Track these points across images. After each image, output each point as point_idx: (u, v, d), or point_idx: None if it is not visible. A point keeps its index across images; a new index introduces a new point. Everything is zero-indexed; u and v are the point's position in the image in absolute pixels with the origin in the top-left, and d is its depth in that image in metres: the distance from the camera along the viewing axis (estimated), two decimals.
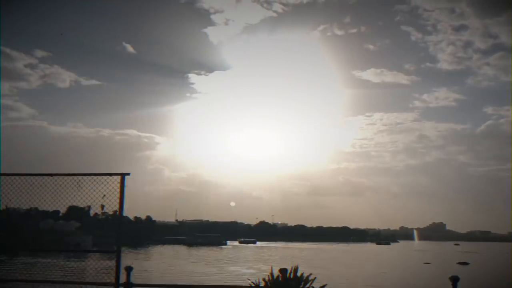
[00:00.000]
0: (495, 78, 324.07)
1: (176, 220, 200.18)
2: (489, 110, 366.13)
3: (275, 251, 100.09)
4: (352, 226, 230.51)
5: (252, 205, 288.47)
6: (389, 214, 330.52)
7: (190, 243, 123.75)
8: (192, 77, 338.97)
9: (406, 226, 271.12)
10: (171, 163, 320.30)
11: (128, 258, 72.92)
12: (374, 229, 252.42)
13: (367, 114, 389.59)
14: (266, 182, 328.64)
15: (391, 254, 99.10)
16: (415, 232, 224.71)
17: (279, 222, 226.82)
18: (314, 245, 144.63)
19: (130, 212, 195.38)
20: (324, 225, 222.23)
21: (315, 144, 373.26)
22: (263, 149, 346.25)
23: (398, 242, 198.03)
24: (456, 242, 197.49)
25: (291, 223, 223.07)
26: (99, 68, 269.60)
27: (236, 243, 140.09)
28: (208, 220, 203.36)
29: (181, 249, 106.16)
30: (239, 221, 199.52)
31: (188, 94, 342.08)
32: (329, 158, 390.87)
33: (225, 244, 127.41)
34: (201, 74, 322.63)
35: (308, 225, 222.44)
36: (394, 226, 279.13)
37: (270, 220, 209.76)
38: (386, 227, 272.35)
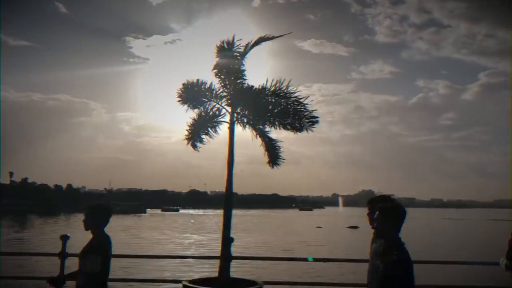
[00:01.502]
0: (427, 53, 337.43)
1: (105, 189, 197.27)
2: (420, 83, 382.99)
3: (187, 218, 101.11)
4: (286, 194, 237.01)
5: (191, 174, 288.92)
6: (324, 182, 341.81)
7: None
8: (130, 40, 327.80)
9: (337, 193, 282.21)
10: (107, 130, 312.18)
11: (19, 227, 70.98)
12: (307, 196, 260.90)
13: (306, 84, 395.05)
14: (207, 150, 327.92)
15: (300, 219, 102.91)
16: (339, 199, 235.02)
17: (217, 190, 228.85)
18: (242, 211, 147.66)
19: (54, 180, 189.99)
20: (257, 193, 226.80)
21: None
22: None
23: (324, 208, 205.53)
24: None
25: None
26: (29, 28, 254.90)
27: (159, 211, 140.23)
28: (140, 189, 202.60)
29: None
30: (169, 189, 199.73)
31: (125, 59, 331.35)
32: None
33: (145, 212, 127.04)
34: (138, 38, 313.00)
35: (242, 192, 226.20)
36: (327, 193, 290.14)
37: (203, 189, 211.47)
38: (319, 194, 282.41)
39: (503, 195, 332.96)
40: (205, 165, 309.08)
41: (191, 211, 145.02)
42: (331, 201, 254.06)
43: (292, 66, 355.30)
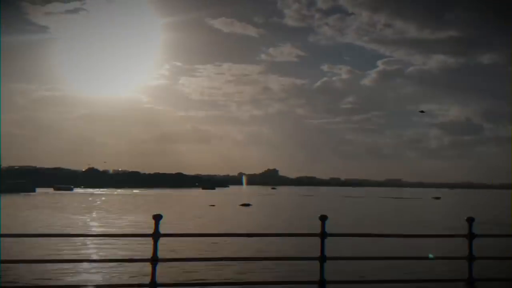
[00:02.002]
0: (332, 38, 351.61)
1: None
2: (325, 67, 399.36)
3: (71, 198, 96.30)
4: (192, 173, 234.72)
5: (93, 152, 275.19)
6: (231, 161, 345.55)
7: None
8: (25, 6, 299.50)
9: (244, 172, 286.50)
10: None
11: None
12: (214, 175, 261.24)
13: (216, 63, 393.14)
14: (113, 127, 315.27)
15: (198, 198, 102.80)
16: (243, 178, 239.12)
17: (120, 169, 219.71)
18: (141, 191, 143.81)
19: None
20: (161, 172, 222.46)
21: (164, 91, 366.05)
22: (112, 92, 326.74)
23: (228, 187, 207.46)
24: (273, 186, 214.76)
25: (131, 170, 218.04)
26: None
27: (51, 190, 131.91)
28: (35, 166, 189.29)
29: None
30: (66, 167, 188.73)
31: (20, 26, 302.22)
32: (177, 105, 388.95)
33: (34, 191, 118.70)
34: (35, 4, 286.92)
35: (145, 171, 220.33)
36: (234, 172, 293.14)
37: (103, 167, 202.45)
38: (226, 173, 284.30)
39: (393, 174, 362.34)
40: (110, 143, 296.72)
41: (90, 190, 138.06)
42: (237, 180, 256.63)
43: (202, 44, 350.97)
